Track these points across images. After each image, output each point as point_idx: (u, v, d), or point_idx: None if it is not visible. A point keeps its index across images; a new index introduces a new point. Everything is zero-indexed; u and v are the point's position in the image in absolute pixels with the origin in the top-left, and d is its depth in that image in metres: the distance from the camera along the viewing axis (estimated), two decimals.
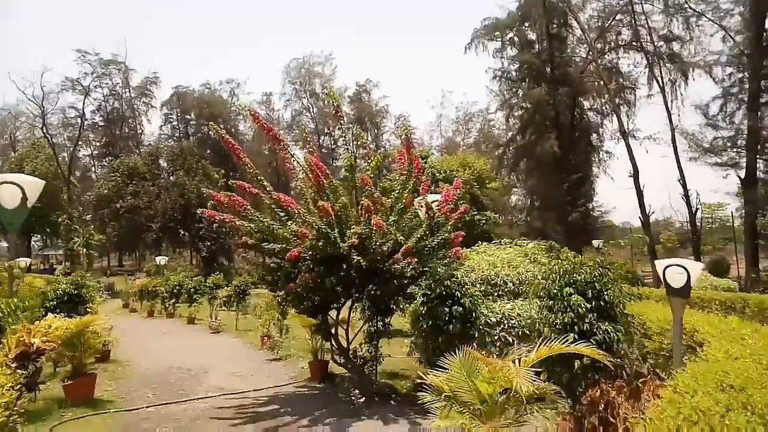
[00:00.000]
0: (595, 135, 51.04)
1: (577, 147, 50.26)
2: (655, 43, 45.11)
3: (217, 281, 25.32)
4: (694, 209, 38.22)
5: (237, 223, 9.21)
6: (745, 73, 36.74)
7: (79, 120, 73.77)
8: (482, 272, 10.70)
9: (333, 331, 10.57)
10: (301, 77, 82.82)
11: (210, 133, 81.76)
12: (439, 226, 9.58)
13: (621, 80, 49.54)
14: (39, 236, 78.23)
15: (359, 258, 8.78)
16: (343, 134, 9.99)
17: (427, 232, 9.38)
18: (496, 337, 9.73)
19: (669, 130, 39.74)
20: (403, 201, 9.71)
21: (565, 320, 6.45)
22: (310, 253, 9.00)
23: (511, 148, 52.98)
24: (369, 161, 10.43)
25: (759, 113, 34.46)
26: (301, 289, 9.08)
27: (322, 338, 10.95)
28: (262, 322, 16.84)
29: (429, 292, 9.23)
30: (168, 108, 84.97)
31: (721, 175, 43.01)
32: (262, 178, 9.33)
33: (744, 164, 35.71)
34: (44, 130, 64.35)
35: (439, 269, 9.61)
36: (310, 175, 9.27)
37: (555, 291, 6.84)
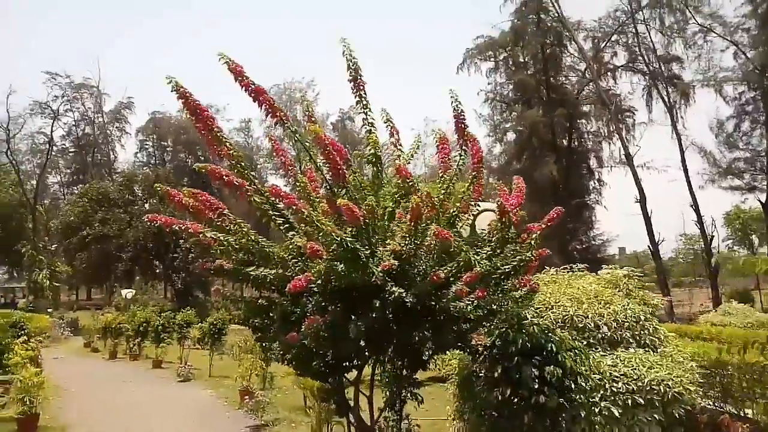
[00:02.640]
0: (594, 160, 48.68)
1: (576, 172, 47.87)
2: (657, 64, 43.36)
3: (188, 318, 21.72)
4: (709, 236, 35.57)
5: (208, 235, 5.92)
6: (758, 91, 34.66)
7: (47, 145, 70.12)
8: (564, 311, 7.49)
9: (346, 393, 7.26)
10: (282, 103, 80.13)
11: (188, 161, 78.41)
12: (508, 242, 6.38)
13: (619, 103, 47.60)
14: (3, 268, 73.66)
15: (400, 291, 5.54)
16: (365, 107, 6.78)
17: (498, 251, 6.19)
18: (597, 410, 6.49)
19: (678, 154, 37.49)
20: (457, 206, 6.55)
21: None
22: (319, 282, 5.75)
23: (505, 174, 50.41)
24: (398, 148, 7.29)
25: None
26: (309, 340, 5.72)
27: (336, 412, 7.51)
28: (242, 372, 13.39)
29: (503, 343, 6.01)
30: (144, 134, 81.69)
31: (737, 201, 40.83)
32: (245, 164, 6.03)
33: (763, 187, 33.29)
34: (9, 155, 60.39)
35: (510, 307, 6.45)
36: (321, 162, 6.07)
37: None
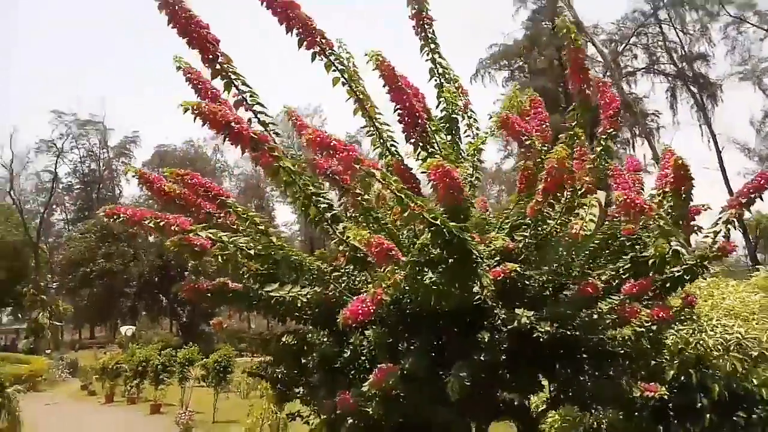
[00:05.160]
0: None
1: (602, 181, 45.70)
2: (682, 63, 41.36)
3: (190, 355, 19.22)
4: (753, 242, 33.02)
5: (202, 236, 3.61)
6: None
7: (51, 183, 68.97)
8: (724, 332, 5.12)
9: None
10: (289, 131, 78.21)
11: None
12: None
13: (643, 106, 45.52)
14: (7, 310, 71.84)
15: (528, 315, 3.23)
16: (433, 51, 4.62)
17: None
18: None
19: (709, 154, 35.21)
20: (585, 181, 4.26)
21: None
22: (388, 305, 3.41)
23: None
24: (467, 114, 5.13)
25: None
26: (375, 405, 3.34)
27: None
28: (251, 424, 10.96)
29: (681, 391, 3.65)
30: (149, 168, 79.88)
31: None
32: (266, 118, 3.70)
33: None
34: (12, 194, 59.12)
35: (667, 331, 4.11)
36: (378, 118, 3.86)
37: None
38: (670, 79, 41.05)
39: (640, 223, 3.13)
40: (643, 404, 4.06)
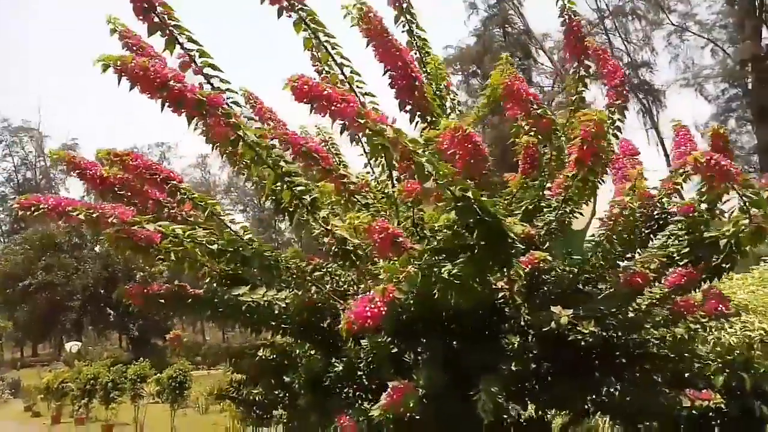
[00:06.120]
0: None
1: None
2: (627, 71, 42.42)
3: (142, 371, 18.02)
4: None
5: (149, 228, 2.86)
6: (739, 89, 33.48)
7: None
8: (744, 328, 4.63)
9: None
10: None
11: None
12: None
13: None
14: None
15: (567, 316, 2.61)
16: (410, 21, 4.04)
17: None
18: None
19: (655, 158, 35.98)
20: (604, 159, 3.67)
21: None
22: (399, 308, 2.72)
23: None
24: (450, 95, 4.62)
25: None
26: None
27: None
28: None
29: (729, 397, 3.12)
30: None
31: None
32: (216, 67, 2.91)
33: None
34: None
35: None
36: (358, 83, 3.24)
37: None
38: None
39: (728, 192, 2.53)
40: (681, 414, 3.50)
